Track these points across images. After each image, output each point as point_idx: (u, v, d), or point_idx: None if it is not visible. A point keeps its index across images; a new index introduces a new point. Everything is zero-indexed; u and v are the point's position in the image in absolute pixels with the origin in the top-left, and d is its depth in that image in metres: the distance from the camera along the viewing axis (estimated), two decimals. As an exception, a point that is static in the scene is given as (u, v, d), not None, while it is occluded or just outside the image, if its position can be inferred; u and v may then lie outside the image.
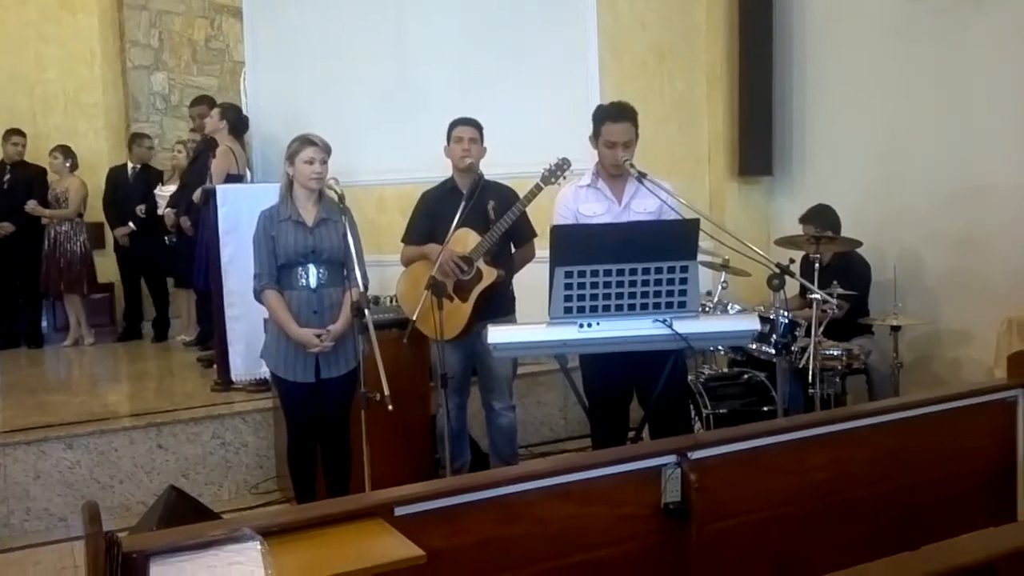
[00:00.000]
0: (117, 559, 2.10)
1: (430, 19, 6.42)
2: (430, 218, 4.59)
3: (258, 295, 4.02)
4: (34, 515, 4.74)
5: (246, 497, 5.10)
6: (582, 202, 4.03)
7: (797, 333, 4.89)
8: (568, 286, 3.37)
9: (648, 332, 3.45)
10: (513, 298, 4.64)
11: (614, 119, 3.93)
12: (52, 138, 8.33)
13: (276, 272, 3.96)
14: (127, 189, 8.09)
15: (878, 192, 5.93)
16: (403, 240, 4.68)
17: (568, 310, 3.40)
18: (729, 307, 5.28)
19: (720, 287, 5.34)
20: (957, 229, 5.46)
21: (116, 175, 8.20)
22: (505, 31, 6.34)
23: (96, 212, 8.26)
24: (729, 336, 3.98)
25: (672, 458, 2.87)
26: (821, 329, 4.59)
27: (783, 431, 3.15)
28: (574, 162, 4.42)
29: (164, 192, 7.85)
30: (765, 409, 4.98)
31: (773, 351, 4.82)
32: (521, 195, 4.39)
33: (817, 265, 4.83)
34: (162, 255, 7.83)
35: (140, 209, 7.92)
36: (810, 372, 4.49)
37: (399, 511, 2.47)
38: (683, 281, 3.43)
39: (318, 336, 3.92)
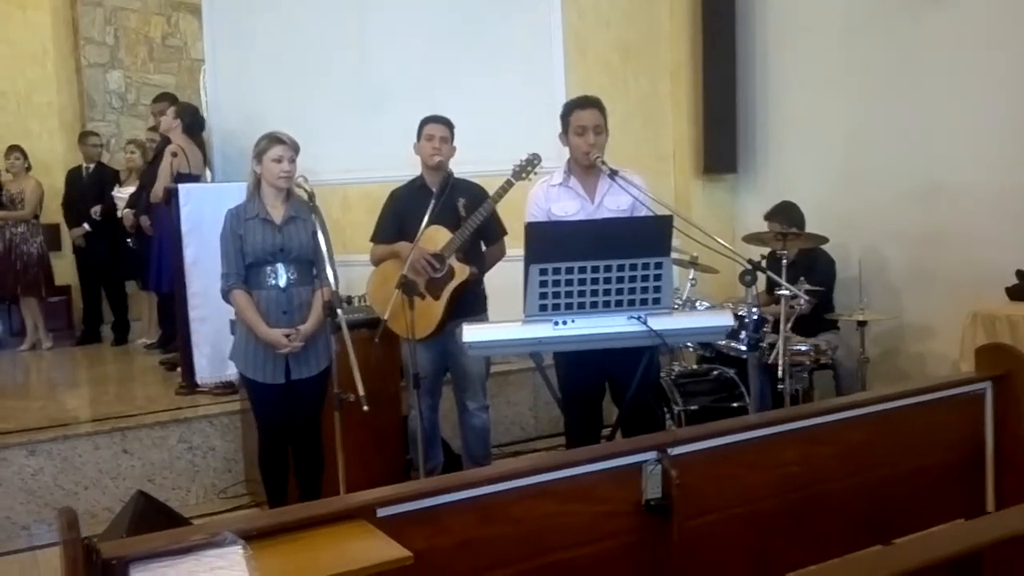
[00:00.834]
0: (97, 566, 2.05)
1: (393, 16, 6.38)
2: (399, 216, 4.55)
3: (226, 295, 3.95)
4: (-5, 523, 4.63)
5: (214, 501, 5.02)
6: (554, 201, 4.01)
7: (765, 329, 4.93)
8: (543, 283, 3.36)
9: (623, 329, 3.45)
10: (485, 297, 4.62)
11: (582, 106, 3.95)
12: (3, 139, 8.15)
13: (244, 272, 3.91)
14: (82, 190, 7.95)
15: (841, 189, 5.99)
16: (372, 239, 4.63)
17: (543, 307, 3.40)
18: (698, 304, 5.31)
19: (689, 284, 5.36)
20: (920, 224, 5.53)
21: (73, 176, 8.05)
22: (469, 28, 6.32)
23: (52, 213, 8.12)
24: (703, 332, 4.00)
25: (652, 455, 2.88)
26: (789, 325, 4.63)
27: (760, 426, 3.18)
28: (542, 160, 4.41)
29: (122, 193, 7.71)
30: (735, 405, 5.02)
31: (743, 348, 4.85)
32: (491, 193, 4.37)
33: (784, 261, 4.86)
34: (121, 257, 7.69)
35: (95, 210, 7.77)
36: (779, 368, 4.53)
37: (381, 512, 2.45)
38: (657, 278, 3.44)
39: (287, 336, 3.87)
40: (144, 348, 7.54)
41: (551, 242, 3.42)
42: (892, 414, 3.44)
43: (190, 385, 5.55)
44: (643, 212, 3.90)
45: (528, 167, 4.36)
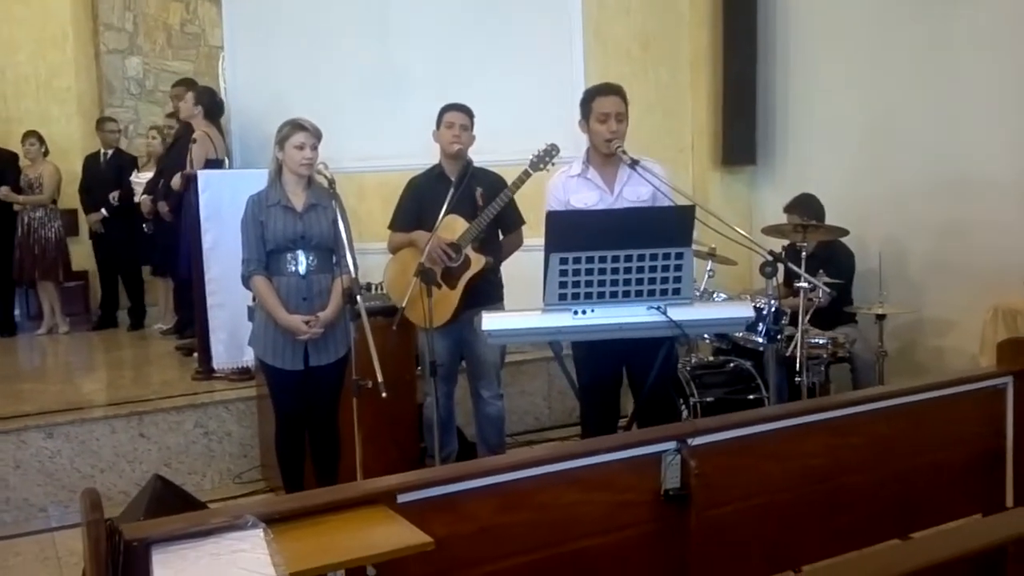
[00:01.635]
0: (119, 547, 2.05)
1: (412, 3, 6.37)
2: (417, 204, 4.54)
3: (246, 281, 3.97)
4: (13, 505, 4.65)
5: (230, 486, 5.04)
6: (573, 192, 3.97)
7: (783, 322, 4.90)
8: (563, 272, 3.34)
9: (643, 319, 3.43)
10: (501, 285, 4.62)
11: (604, 93, 3.92)
12: (24, 122, 8.20)
13: (265, 258, 3.91)
14: (100, 175, 7.96)
15: (861, 181, 5.95)
16: (390, 227, 4.63)
17: (563, 297, 3.38)
18: (715, 295, 5.28)
19: (707, 275, 5.34)
20: (941, 217, 5.49)
21: (91, 161, 8.07)
22: (489, 17, 6.30)
23: (70, 198, 8.14)
24: (723, 323, 3.97)
25: (672, 444, 2.86)
26: (807, 317, 4.61)
27: (780, 418, 3.16)
28: (560, 151, 4.39)
29: (140, 179, 7.72)
30: (751, 397, 5.00)
31: (761, 340, 4.83)
32: (509, 182, 4.36)
33: (804, 254, 4.83)
34: (139, 243, 7.71)
35: (113, 196, 7.79)
36: (797, 361, 4.50)
37: (401, 498, 2.45)
38: (678, 268, 3.41)
39: (307, 323, 3.88)
40: (160, 334, 7.57)
41: (572, 231, 3.40)
42: (913, 408, 3.42)
43: (206, 370, 5.57)
44: (663, 202, 3.87)
45: (546, 158, 4.33)
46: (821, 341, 4.97)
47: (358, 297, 3.59)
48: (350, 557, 2.08)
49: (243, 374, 5.44)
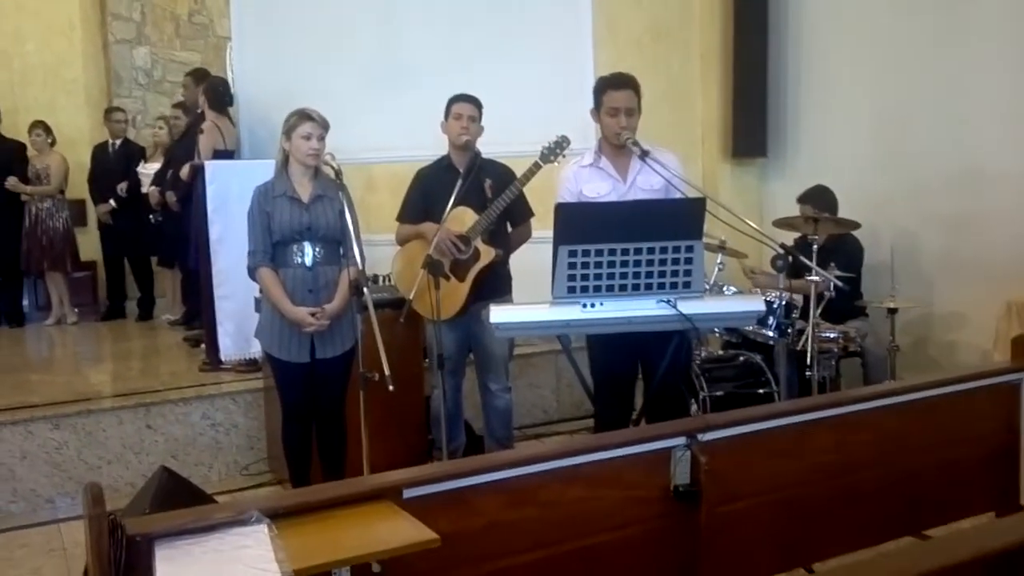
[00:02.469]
0: (121, 542, 2.03)
1: (422, -7, 6.33)
2: (426, 196, 4.51)
3: (252, 272, 3.94)
4: (20, 496, 4.65)
5: (236, 479, 5.03)
6: (585, 182, 3.94)
7: (794, 315, 4.86)
8: (572, 265, 3.31)
9: (652, 313, 3.39)
10: (510, 278, 4.58)
11: (616, 87, 3.87)
12: (32, 112, 8.16)
13: (271, 249, 3.88)
14: (108, 166, 7.94)
15: (873, 173, 5.89)
16: (398, 218, 4.60)
17: (572, 289, 3.35)
18: (725, 289, 5.24)
19: (716, 268, 5.29)
20: (954, 211, 5.43)
21: (99, 152, 8.05)
22: (499, 7, 6.26)
23: (77, 189, 8.12)
24: (733, 317, 3.92)
25: (682, 440, 2.84)
26: (819, 311, 4.56)
27: (790, 413, 3.12)
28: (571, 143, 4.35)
29: (147, 170, 7.71)
30: (761, 392, 4.96)
31: (771, 333, 4.79)
32: (518, 173, 4.32)
33: (815, 247, 4.78)
34: (147, 233, 7.70)
35: (121, 187, 7.76)
36: (808, 355, 4.46)
37: (407, 494, 2.42)
38: (688, 261, 3.38)
39: (313, 315, 3.85)
40: (168, 324, 7.56)
41: (581, 223, 3.36)
42: (925, 403, 3.38)
43: (214, 362, 5.55)
44: (676, 192, 3.82)
45: (557, 149, 4.30)
46: (832, 335, 4.92)
47: (365, 289, 3.56)
48: (355, 554, 2.06)
49: (250, 366, 5.42)
